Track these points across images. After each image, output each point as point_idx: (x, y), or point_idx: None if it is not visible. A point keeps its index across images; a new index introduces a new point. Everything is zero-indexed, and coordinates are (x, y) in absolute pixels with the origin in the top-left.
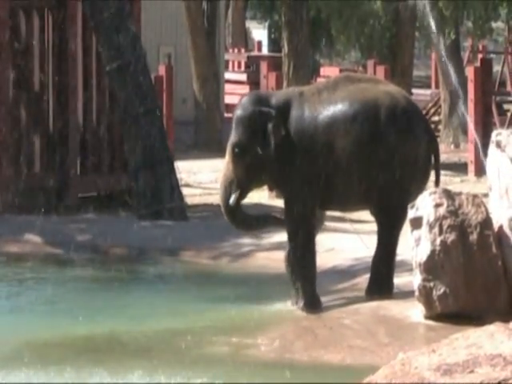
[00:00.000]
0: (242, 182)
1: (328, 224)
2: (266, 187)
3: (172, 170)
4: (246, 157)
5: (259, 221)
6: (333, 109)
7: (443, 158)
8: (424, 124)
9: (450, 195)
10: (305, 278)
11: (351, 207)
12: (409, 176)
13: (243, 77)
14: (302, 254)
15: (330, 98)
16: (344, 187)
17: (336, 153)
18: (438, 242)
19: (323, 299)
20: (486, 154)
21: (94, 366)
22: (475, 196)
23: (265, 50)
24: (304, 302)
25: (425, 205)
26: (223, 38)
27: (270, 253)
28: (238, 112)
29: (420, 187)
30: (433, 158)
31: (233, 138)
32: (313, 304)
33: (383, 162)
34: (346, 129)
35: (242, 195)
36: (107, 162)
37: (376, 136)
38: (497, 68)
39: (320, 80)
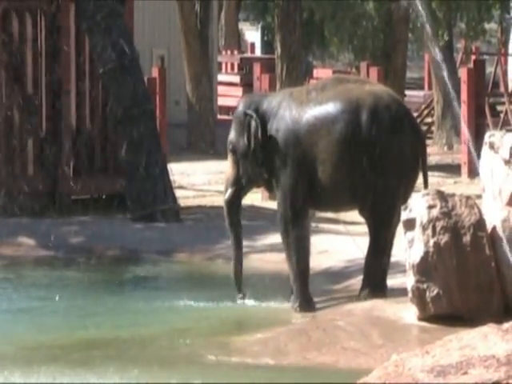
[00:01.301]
0: (237, 179)
1: (321, 226)
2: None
3: (165, 172)
4: (237, 155)
5: (234, 239)
6: (317, 109)
7: (436, 159)
8: (410, 123)
9: (443, 197)
10: (297, 279)
11: (340, 208)
12: (394, 176)
13: (236, 79)
14: (294, 255)
15: (316, 99)
16: (330, 187)
17: (320, 152)
18: (431, 243)
19: (317, 301)
20: (479, 156)
21: (85, 368)
22: (468, 197)
23: (258, 52)
24: (298, 303)
25: (418, 206)
26: (216, 40)
27: (263, 254)
28: (235, 112)
29: (408, 187)
30: (419, 158)
31: (229, 135)
32: (305, 304)
33: (365, 161)
34: (328, 128)
35: (240, 193)
36: (100, 164)
37: (358, 135)
38: (490, 69)
39: (313, 82)
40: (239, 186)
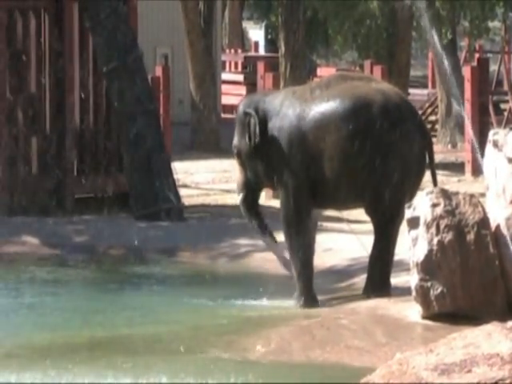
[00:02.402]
0: (245, 181)
1: (325, 224)
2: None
3: (169, 171)
4: (242, 158)
5: (262, 232)
6: (324, 106)
7: (440, 157)
8: (417, 121)
9: (447, 195)
10: (301, 277)
11: (345, 206)
12: (401, 173)
13: (240, 77)
14: (298, 253)
15: (321, 96)
16: (336, 185)
17: (328, 149)
18: (435, 241)
19: (321, 299)
20: (483, 154)
21: (90, 366)
22: (472, 196)
23: (261, 51)
24: (301, 301)
25: (422, 204)
26: (220, 39)
27: (267, 253)
28: (236, 115)
29: (414, 185)
30: (427, 156)
31: (234, 140)
32: (309, 303)
33: (374, 158)
34: (336, 125)
35: (252, 195)
36: (104, 163)
37: (366, 132)
38: (494, 67)
39: (316, 80)
40: (249, 189)
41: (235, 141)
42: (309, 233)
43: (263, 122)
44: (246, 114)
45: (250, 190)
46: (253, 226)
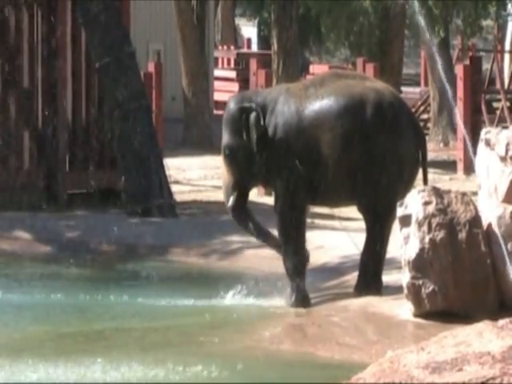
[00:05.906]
0: (237, 182)
1: (317, 221)
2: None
3: (161, 167)
4: (236, 157)
5: (259, 234)
6: (319, 103)
7: (432, 155)
8: (411, 120)
9: (438, 193)
10: (293, 275)
11: (338, 203)
12: (395, 172)
13: (232, 74)
14: (291, 250)
15: (316, 94)
16: (330, 182)
17: (322, 147)
18: (426, 240)
19: (312, 296)
20: (475, 152)
21: (85, 362)
22: (464, 194)
23: (254, 48)
24: (293, 299)
25: (414, 203)
26: (212, 35)
27: (259, 250)
28: (225, 114)
29: (407, 184)
30: (420, 155)
31: (223, 140)
32: (301, 300)
33: (368, 157)
34: (331, 123)
35: (243, 196)
36: (96, 158)
37: (361, 131)
38: (486, 66)
39: (309, 77)
40: (240, 191)
41: (226, 140)
42: (303, 230)
43: (262, 116)
44: (243, 108)
45: (240, 192)
46: (251, 233)
